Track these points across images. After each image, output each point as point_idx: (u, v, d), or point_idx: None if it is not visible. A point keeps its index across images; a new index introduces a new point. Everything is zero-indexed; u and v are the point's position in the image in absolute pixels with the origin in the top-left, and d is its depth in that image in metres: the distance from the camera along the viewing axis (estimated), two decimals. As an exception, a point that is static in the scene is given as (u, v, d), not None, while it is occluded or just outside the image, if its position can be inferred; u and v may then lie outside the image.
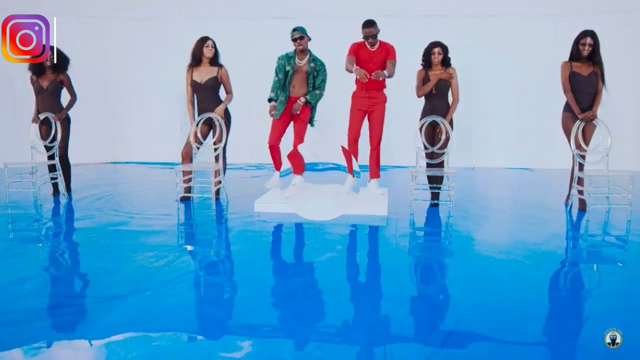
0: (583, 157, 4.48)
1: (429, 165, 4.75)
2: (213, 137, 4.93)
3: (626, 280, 3.02)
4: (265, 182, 5.28)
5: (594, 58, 4.45)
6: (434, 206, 4.76)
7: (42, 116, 5.09)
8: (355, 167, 4.91)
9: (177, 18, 7.53)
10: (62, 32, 6.76)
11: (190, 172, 4.89)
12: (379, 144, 4.81)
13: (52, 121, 5.07)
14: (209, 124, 4.96)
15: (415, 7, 7.13)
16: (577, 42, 4.49)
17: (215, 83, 4.93)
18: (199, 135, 4.92)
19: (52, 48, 5.05)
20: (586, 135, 4.52)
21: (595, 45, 4.43)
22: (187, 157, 4.96)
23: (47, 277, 3.08)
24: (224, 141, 4.87)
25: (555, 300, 2.75)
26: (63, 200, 5.11)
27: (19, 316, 2.39)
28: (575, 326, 2.39)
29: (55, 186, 5.28)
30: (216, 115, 4.84)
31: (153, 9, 7.56)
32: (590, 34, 4.43)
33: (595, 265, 3.33)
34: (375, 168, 4.88)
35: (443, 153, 4.66)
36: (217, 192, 4.99)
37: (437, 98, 4.70)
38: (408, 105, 5.30)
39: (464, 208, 4.72)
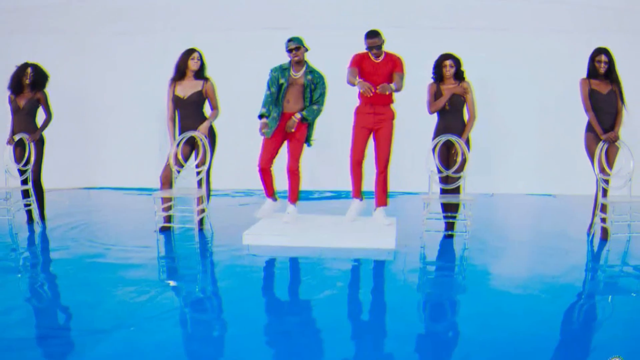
0: (607, 181, 4.90)
1: (443, 191, 5.09)
2: (196, 158, 5.24)
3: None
4: (255, 210, 5.51)
5: (611, 76, 4.99)
6: (449, 237, 5.09)
7: (17, 137, 5.63)
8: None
9: (162, 31, 8.00)
10: (42, 49, 7.22)
11: (170, 199, 5.19)
12: (386, 167, 5.09)
13: (27, 142, 5.58)
14: (192, 144, 5.27)
15: (422, 19, 7.63)
16: (593, 59, 5.03)
17: (199, 98, 5.26)
18: (180, 156, 5.19)
19: (32, 65, 5.62)
20: (610, 158, 5.00)
21: (611, 63, 4.96)
22: (167, 181, 5.25)
23: (31, 308, 3.55)
24: (207, 164, 5.16)
25: (567, 332, 3.16)
26: (37, 228, 5.58)
27: (11, 344, 2.85)
28: (581, 356, 2.82)
29: (30, 213, 5.77)
30: (200, 133, 5.13)
31: (137, 22, 8.05)
32: (604, 51, 4.97)
33: (610, 297, 3.77)
34: (382, 195, 5.14)
35: (459, 177, 4.98)
36: (201, 222, 5.27)
37: (452, 115, 5.06)
38: (419, 123, 5.65)
39: (481, 239, 5.06)
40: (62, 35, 8.02)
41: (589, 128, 5.10)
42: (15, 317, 3.28)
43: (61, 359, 2.75)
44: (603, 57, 4.97)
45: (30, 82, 5.68)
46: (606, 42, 5.15)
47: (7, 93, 5.76)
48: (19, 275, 4.29)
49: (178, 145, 5.22)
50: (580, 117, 5.17)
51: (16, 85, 5.68)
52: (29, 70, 5.65)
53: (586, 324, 3.34)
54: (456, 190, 5.04)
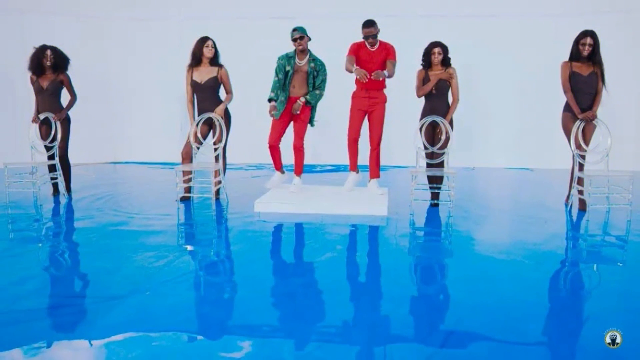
0: (583, 157, 4.48)
1: (429, 165, 4.76)
2: (213, 137, 4.93)
3: (626, 280, 3.02)
4: (265, 182, 5.28)
5: (594, 58, 4.45)
6: (434, 206, 4.76)
7: (42, 116, 5.08)
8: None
9: (177, 18, 7.54)
10: (62, 32, 6.81)
11: (190, 172, 4.89)
12: (379, 144, 4.82)
13: (52, 121, 5.07)
14: (209, 124, 4.96)
15: (415, 7, 7.15)
16: (577, 42, 4.49)
17: (215, 83, 4.92)
18: (199, 135, 4.91)
19: (51, 47, 5.06)
20: (586, 135, 4.52)
21: (595, 45, 4.43)
22: (187, 157, 4.96)
23: (47, 277, 3.08)
24: (224, 141, 4.86)
25: (555, 300, 2.75)
26: (63, 200, 5.10)
27: (19, 316, 2.39)
28: (575, 326, 2.39)
29: (55, 186, 5.28)
30: (216, 115, 4.84)
31: (153, 9, 7.58)
32: (590, 34, 4.44)
33: (595, 265, 3.33)
34: (375, 168, 4.88)
35: (443, 153, 4.66)
36: (217, 192, 4.99)
37: (437, 98, 4.69)
38: (408, 105, 5.30)
39: (464, 208, 4.71)
40: (77, 18, 7.40)
41: (567, 108, 4.60)
42: (28, 287, 2.78)
43: (70, 329, 2.29)
44: (588, 40, 4.42)
45: (51, 65, 5.07)
46: (594, 24, 4.61)
47: (29, 74, 5.15)
48: (40, 245, 3.76)
49: (197, 125, 4.91)
50: (558, 97, 4.66)
51: (36, 66, 5.06)
52: (49, 52, 5.04)
53: (574, 293, 2.88)
54: (440, 165, 4.72)
